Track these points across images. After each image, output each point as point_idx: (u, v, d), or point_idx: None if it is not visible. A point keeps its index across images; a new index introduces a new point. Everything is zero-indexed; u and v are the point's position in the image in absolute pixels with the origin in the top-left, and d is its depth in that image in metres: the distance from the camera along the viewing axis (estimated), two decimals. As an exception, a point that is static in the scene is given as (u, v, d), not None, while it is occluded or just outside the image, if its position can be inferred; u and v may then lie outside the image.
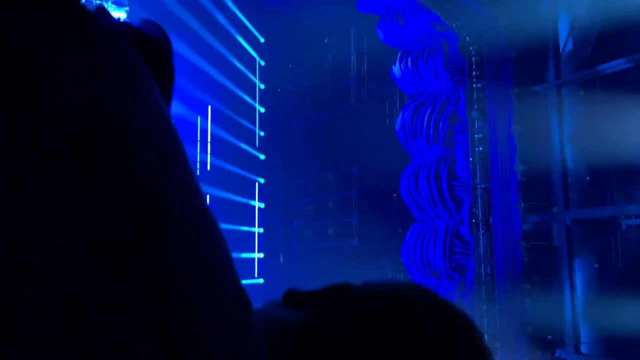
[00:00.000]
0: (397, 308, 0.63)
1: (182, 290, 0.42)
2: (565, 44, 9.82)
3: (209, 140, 14.23)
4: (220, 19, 13.82)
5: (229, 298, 0.48)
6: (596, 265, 9.51)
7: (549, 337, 9.44)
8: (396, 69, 11.80)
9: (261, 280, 15.34)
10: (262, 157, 15.93)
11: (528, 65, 10.16)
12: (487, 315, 9.91)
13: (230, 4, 14.10)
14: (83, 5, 0.49)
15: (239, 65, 14.78)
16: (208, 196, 13.67)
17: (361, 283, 0.69)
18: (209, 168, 14.13)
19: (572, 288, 9.35)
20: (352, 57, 14.22)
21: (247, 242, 14.98)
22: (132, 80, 0.49)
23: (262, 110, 15.99)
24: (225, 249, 0.49)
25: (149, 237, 0.41)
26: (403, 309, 0.63)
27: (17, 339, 0.35)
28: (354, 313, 0.63)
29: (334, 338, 0.60)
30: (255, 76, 15.63)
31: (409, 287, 0.70)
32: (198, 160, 13.87)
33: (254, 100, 15.69)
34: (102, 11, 0.55)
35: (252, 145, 15.52)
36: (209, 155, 14.08)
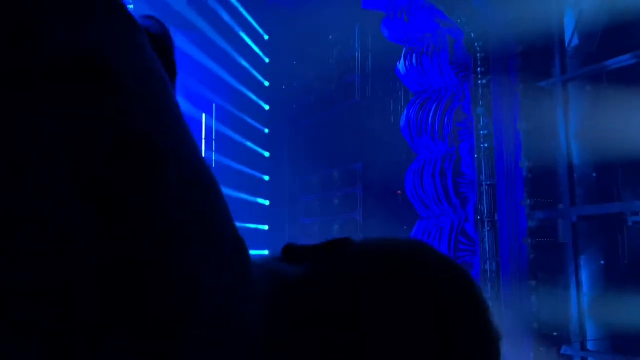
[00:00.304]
0: (395, 266, 0.61)
1: (180, 236, 0.42)
2: (571, 39, 9.77)
3: (213, 137, 14.25)
4: (225, 16, 13.81)
5: (226, 242, 0.48)
6: (602, 262, 9.47)
7: (555, 333, 9.41)
8: (401, 65, 11.77)
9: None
10: (267, 154, 15.94)
11: (534, 61, 10.10)
12: (492, 312, 9.88)
13: (234, 1, 14.09)
14: None
15: (243, 62, 14.77)
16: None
17: (363, 239, 0.66)
18: (213, 165, 14.14)
19: (578, 285, 9.31)
20: (357, 54, 14.19)
21: (252, 239, 15.00)
22: (123, 26, 0.47)
23: (267, 107, 15.99)
24: (219, 196, 0.49)
25: (143, 181, 0.40)
26: (402, 267, 0.61)
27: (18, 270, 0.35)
28: (350, 271, 0.61)
29: (329, 296, 0.58)
30: (259, 73, 15.63)
31: (411, 245, 0.67)
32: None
33: (259, 97, 15.70)
34: None
35: (257, 143, 15.53)
36: (213, 153, 14.10)
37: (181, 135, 0.47)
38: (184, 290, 0.41)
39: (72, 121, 0.39)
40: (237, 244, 0.50)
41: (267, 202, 15.77)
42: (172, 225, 0.42)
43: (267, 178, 15.88)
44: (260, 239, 15.42)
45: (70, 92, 0.40)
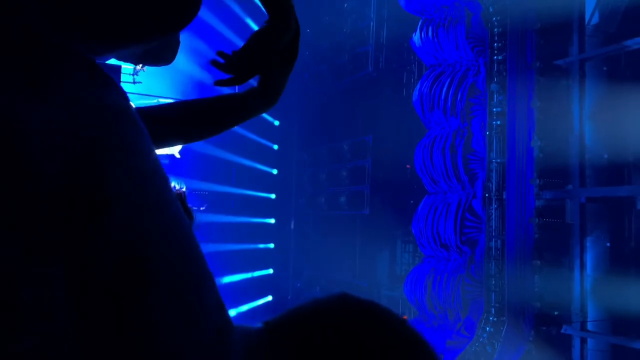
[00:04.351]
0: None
1: (158, 347, 0.47)
2: (591, 17, 9.55)
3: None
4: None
5: (211, 336, 0.54)
6: (608, 244, 9.46)
7: (556, 313, 9.49)
8: (416, 37, 11.58)
9: (272, 245, 15.52)
10: (276, 122, 15.89)
11: (552, 38, 9.91)
12: (495, 290, 9.96)
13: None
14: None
15: (254, 27, 14.60)
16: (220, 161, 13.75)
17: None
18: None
19: (583, 266, 9.33)
20: (372, 24, 13.96)
21: (260, 207, 15.10)
22: (120, 137, 0.54)
23: (278, 75, 15.82)
24: (207, 289, 0.56)
25: (120, 306, 0.46)
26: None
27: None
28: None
29: None
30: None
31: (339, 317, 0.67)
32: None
33: (271, 65, 15.52)
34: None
35: (267, 112, 15.46)
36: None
37: (171, 245, 0.53)
38: None
39: (65, 258, 0.44)
40: (221, 334, 0.56)
41: (274, 171, 15.81)
42: (164, 326, 0.48)
43: (276, 147, 15.88)
44: (268, 207, 15.52)
45: (62, 226, 0.44)
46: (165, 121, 1.14)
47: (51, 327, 0.42)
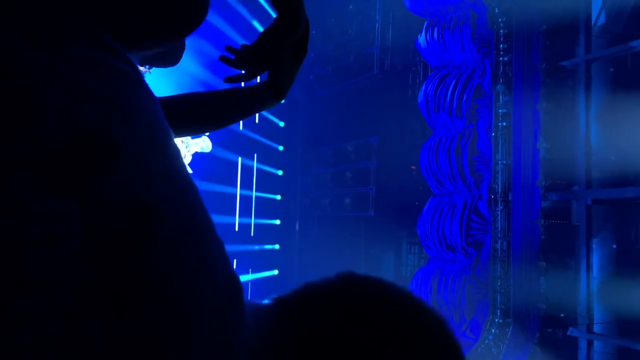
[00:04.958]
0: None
1: (174, 285, 0.49)
2: (598, 18, 9.51)
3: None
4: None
5: (218, 285, 0.55)
6: (614, 246, 9.41)
7: (562, 315, 9.44)
8: (421, 38, 11.57)
9: (277, 246, 15.53)
10: (281, 124, 15.91)
11: (558, 39, 9.88)
12: (500, 291, 9.93)
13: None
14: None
15: (260, 28, 14.63)
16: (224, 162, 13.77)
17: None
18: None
19: (589, 268, 9.29)
20: (377, 25, 13.97)
21: (265, 208, 15.12)
22: (126, 94, 0.56)
23: (284, 77, 15.84)
24: (212, 241, 0.57)
25: (135, 248, 0.47)
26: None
27: (25, 335, 0.41)
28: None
29: None
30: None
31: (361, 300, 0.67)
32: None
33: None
34: None
35: (272, 112, 15.49)
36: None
37: (176, 194, 0.55)
38: (178, 339, 0.48)
39: (80, 196, 0.46)
40: (230, 284, 0.58)
41: (280, 172, 15.82)
42: (167, 277, 0.49)
43: (281, 148, 15.89)
44: (273, 209, 15.53)
45: (75, 167, 0.46)
46: (172, 112, 1.15)
47: (65, 261, 0.44)
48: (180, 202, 0.55)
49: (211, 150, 11.75)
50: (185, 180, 0.57)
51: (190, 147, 10.71)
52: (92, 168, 0.47)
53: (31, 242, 0.42)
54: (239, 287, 0.59)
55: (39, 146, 0.45)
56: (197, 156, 13.15)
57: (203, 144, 10.79)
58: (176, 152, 0.59)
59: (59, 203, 0.44)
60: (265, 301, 0.66)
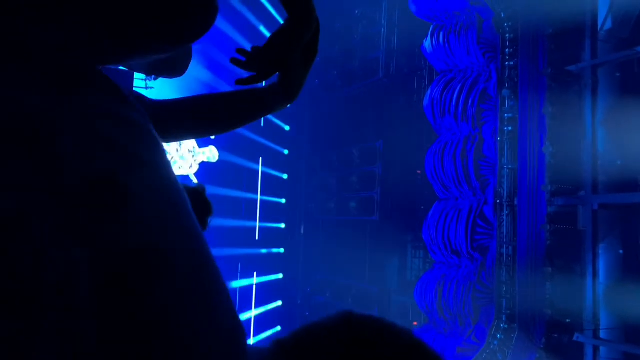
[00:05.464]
0: None
1: (176, 342, 0.50)
2: (604, 22, 9.48)
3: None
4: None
5: (222, 330, 0.56)
6: (621, 251, 9.36)
7: (568, 320, 9.39)
8: (427, 43, 11.57)
9: (282, 250, 15.53)
10: (287, 128, 15.94)
11: (563, 43, 9.85)
12: (506, 296, 9.88)
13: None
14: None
15: (266, 32, 14.67)
16: (231, 166, 13.79)
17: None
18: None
19: (595, 273, 9.23)
20: (383, 30, 13.98)
21: (270, 212, 15.13)
22: (138, 144, 0.58)
23: (289, 81, 15.85)
24: (220, 287, 0.58)
25: (144, 297, 0.48)
26: None
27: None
28: None
29: None
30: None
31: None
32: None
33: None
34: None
35: (277, 116, 15.52)
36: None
37: (185, 241, 0.56)
38: None
39: (91, 244, 0.47)
40: (233, 332, 0.59)
41: (285, 176, 15.84)
42: (173, 327, 0.50)
43: (286, 152, 15.91)
44: (279, 212, 15.54)
45: (89, 214, 0.48)
46: (179, 114, 1.16)
47: (73, 309, 0.45)
48: (189, 250, 0.56)
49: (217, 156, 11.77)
50: (193, 228, 0.58)
51: (197, 156, 10.73)
52: (104, 215, 0.49)
53: (43, 290, 0.44)
54: (242, 335, 0.60)
55: (57, 194, 0.47)
56: (203, 163, 13.17)
57: (210, 154, 10.79)
58: (184, 200, 0.60)
59: (72, 252, 0.46)
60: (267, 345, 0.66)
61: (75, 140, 0.51)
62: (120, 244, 0.49)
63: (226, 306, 0.59)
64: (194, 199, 1.92)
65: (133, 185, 0.52)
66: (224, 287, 0.59)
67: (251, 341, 13.07)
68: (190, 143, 10.23)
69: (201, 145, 11.19)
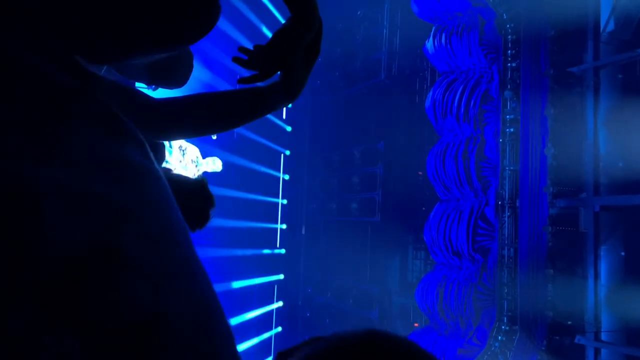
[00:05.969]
0: None
1: None
2: (607, 24, 9.47)
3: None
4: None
5: None
6: (623, 253, 9.34)
7: (569, 322, 9.37)
8: (429, 44, 11.57)
9: (283, 251, 15.53)
10: (288, 128, 15.94)
11: (566, 45, 9.85)
12: (507, 298, 9.87)
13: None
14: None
15: (267, 32, 14.68)
16: (233, 165, 13.79)
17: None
18: (235, 137, 14.23)
19: (597, 275, 9.22)
20: (385, 31, 13.98)
21: (271, 213, 15.13)
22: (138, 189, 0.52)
23: (291, 81, 15.87)
24: (225, 345, 0.53)
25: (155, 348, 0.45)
26: None
27: None
28: None
29: None
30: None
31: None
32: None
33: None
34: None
35: (279, 117, 15.53)
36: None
37: (187, 303, 0.51)
38: None
39: (77, 329, 0.42)
40: None
41: (286, 177, 15.84)
42: None
43: (288, 152, 15.92)
44: (280, 213, 15.53)
45: (72, 293, 0.43)
46: (184, 111, 1.15)
47: None
48: (192, 311, 0.51)
49: (216, 154, 11.73)
50: (199, 283, 0.53)
51: (201, 166, 10.66)
52: (96, 289, 0.43)
53: None
54: None
55: (37, 275, 0.41)
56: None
57: (214, 165, 10.73)
58: (190, 246, 0.54)
59: (55, 339, 0.41)
60: None
61: (58, 206, 0.44)
62: (112, 319, 0.44)
63: (230, 355, 0.54)
64: (196, 191, 1.91)
65: (129, 247, 0.47)
66: (228, 332, 0.54)
67: (252, 342, 13.07)
68: (194, 153, 10.19)
69: (205, 155, 11.20)
